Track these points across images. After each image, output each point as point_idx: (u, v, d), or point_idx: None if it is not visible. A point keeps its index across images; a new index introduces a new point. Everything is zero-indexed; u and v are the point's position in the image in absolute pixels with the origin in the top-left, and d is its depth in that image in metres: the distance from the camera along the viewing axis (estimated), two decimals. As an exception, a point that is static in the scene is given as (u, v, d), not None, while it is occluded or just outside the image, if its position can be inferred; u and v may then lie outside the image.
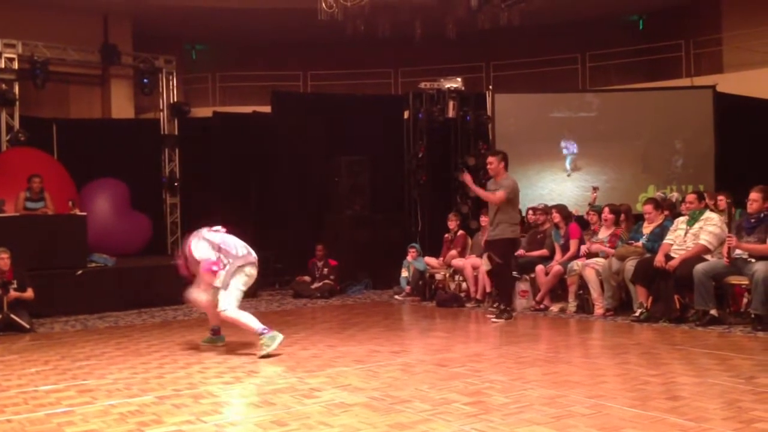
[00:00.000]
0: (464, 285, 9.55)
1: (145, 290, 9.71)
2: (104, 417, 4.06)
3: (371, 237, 11.64)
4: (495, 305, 8.10)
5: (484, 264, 8.71)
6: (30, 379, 5.22)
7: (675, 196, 10.05)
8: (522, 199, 12.05)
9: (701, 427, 3.57)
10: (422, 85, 12.45)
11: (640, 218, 8.46)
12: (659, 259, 7.19)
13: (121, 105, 13.92)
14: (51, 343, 6.92)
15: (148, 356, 6.03)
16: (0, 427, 3.90)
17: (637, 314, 7.31)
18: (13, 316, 7.60)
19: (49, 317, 8.53)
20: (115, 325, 8.16)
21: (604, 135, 12.49)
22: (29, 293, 7.84)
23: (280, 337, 5.87)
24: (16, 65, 12.12)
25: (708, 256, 7.10)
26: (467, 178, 8.12)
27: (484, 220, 9.81)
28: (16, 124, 12.08)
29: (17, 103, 12.12)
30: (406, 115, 12.50)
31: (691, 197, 7.58)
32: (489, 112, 12.41)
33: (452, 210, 10.89)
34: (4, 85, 12.02)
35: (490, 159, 7.84)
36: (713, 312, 6.81)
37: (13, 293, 7.67)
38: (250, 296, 10.36)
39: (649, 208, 8.02)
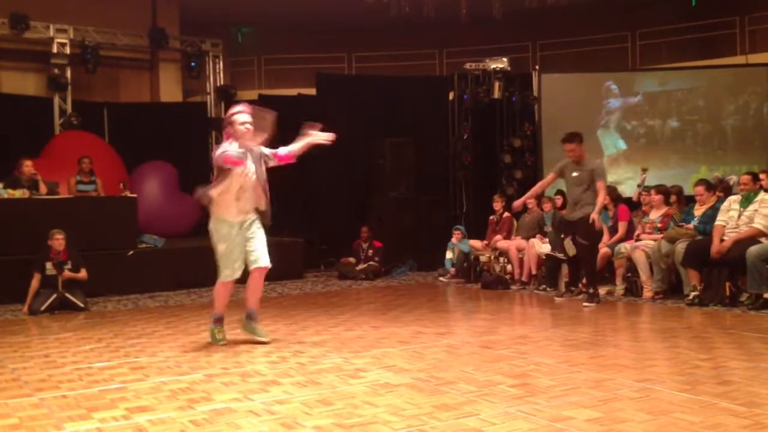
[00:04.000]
0: (509, 267, 9.49)
1: (193, 271, 9.88)
2: (156, 393, 4.16)
3: (416, 219, 11.64)
4: (585, 290, 7.70)
5: (568, 249, 7.86)
6: (84, 356, 5.37)
7: (733, 178, 9.77)
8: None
9: (752, 413, 3.50)
10: (467, 65, 12.33)
11: (691, 200, 8.28)
12: (716, 248, 7.00)
13: (170, 88, 14.11)
14: (104, 322, 7.10)
15: (197, 335, 6.14)
16: (56, 403, 4.03)
17: (690, 298, 7.17)
18: (68, 295, 7.83)
19: (101, 296, 8.76)
20: (165, 305, 8.33)
21: (655, 115, 12.24)
22: (83, 274, 8.05)
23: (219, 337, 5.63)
24: (68, 50, 12.38)
25: (762, 239, 6.92)
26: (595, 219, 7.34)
27: (530, 201, 9.71)
28: (69, 108, 12.37)
29: (69, 87, 12.40)
30: (451, 96, 12.41)
31: (745, 178, 7.37)
32: (535, 93, 12.24)
33: (497, 192, 10.81)
34: (56, 70, 12.30)
35: (571, 146, 7.44)
36: (766, 296, 6.65)
37: (67, 273, 7.89)
38: (295, 277, 10.53)
39: (700, 189, 7.84)
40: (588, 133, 12.16)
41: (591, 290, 7.54)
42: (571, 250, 7.77)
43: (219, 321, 5.74)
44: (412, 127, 11.98)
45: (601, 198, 7.38)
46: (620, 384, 4.12)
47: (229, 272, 5.56)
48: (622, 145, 12.30)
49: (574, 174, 7.47)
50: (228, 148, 5.39)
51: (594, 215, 7.25)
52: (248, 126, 5.45)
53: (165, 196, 12.15)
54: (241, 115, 5.47)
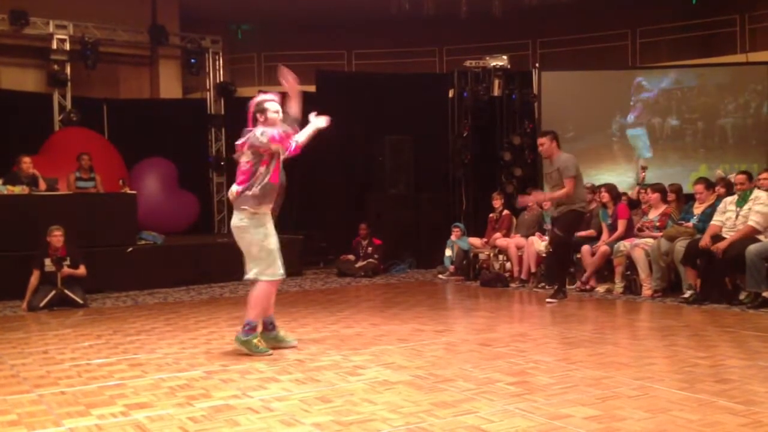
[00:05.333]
0: (508, 265, 9.49)
1: (193, 267, 9.89)
2: (154, 390, 4.16)
3: (415, 216, 11.64)
4: (541, 284, 7.96)
5: (542, 246, 8.34)
6: (83, 352, 5.37)
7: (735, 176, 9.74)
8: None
9: (750, 411, 3.50)
10: (467, 63, 12.32)
11: (691, 198, 8.28)
12: (704, 242, 7.05)
13: (169, 85, 14.11)
14: (103, 318, 7.10)
15: (196, 332, 6.15)
16: (54, 399, 4.02)
17: (686, 296, 7.20)
18: (67, 291, 7.82)
19: (100, 293, 8.75)
20: (164, 302, 8.33)
21: (655, 113, 12.24)
22: (81, 270, 8.04)
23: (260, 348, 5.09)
24: (67, 46, 12.38)
25: (761, 237, 6.92)
26: (528, 199, 8.26)
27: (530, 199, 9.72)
28: (69, 104, 12.37)
29: (69, 83, 12.40)
30: (450, 93, 12.40)
31: (741, 178, 7.37)
32: (535, 91, 12.23)
33: (497, 189, 10.80)
34: (56, 66, 12.30)
35: (542, 140, 7.52)
36: (766, 294, 6.66)
37: (66, 269, 7.88)
38: (294, 274, 10.53)
39: (700, 188, 7.85)
40: (588, 132, 12.25)
41: (556, 285, 7.59)
42: (546, 248, 8.02)
43: (256, 329, 5.13)
44: (412, 125, 11.97)
45: (559, 194, 7.34)
46: (619, 382, 4.12)
47: (280, 269, 5.14)
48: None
49: (549, 173, 7.56)
50: (267, 129, 5.08)
51: (545, 199, 7.70)
52: (281, 114, 5.26)
53: (164, 192, 12.15)
54: (273, 103, 5.28)
